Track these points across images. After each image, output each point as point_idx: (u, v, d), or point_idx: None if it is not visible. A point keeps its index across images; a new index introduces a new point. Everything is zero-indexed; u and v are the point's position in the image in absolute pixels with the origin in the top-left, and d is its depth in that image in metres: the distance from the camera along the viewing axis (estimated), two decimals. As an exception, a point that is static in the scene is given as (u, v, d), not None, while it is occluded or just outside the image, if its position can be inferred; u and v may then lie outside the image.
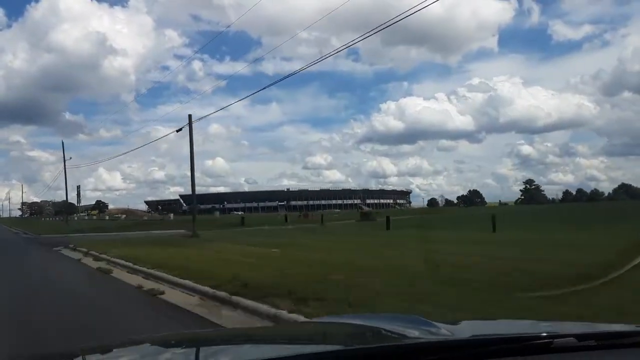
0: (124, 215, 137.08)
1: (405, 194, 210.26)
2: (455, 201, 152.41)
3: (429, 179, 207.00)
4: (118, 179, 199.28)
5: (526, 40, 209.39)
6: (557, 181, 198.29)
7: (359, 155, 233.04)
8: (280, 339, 2.01)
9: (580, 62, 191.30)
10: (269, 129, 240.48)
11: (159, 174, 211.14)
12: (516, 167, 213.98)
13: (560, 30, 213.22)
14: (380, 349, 1.42)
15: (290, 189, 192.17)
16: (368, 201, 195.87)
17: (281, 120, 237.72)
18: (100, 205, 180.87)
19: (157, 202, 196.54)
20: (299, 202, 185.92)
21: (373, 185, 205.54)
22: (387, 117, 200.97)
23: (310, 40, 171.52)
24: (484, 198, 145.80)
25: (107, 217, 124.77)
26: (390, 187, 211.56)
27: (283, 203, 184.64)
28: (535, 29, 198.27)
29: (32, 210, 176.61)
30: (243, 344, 1.89)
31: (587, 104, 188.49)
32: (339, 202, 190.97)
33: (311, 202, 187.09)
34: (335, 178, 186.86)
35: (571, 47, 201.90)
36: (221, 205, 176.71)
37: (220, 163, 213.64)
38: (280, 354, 1.48)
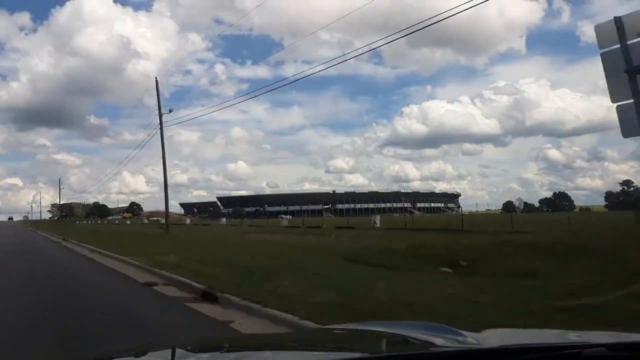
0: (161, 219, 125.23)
1: (454, 197, 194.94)
2: (537, 205, 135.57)
3: (453, 183, 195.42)
4: (142, 182, 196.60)
5: (553, 42, 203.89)
6: (585, 186, 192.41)
7: (381, 159, 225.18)
8: (303, 345, 1.97)
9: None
10: (291, 132, 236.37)
11: (182, 177, 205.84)
12: (542, 172, 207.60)
13: (589, 32, 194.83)
14: (406, 357, 1.40)
15: (336, 191, 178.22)
16: (418, 205, 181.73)
17: (303, 124, 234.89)
18: (134, 208, 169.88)
19: (193, 205, 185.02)
20: (345, 205, 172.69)
21: (419, 188, 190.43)
22: (410, 121, 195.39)
23: (333, 43, 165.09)
24: (572, 201, 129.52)
25: (145, 220, 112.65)
26: (438, 190, 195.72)
27: (327, 206, 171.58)
28: (563, 31, 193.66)
29: (63, 212, 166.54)
30: (264, 350, 1.87)
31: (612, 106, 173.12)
32: (388, 205, 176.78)
33: (358, 206, 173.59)
34: (357, 182, 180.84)
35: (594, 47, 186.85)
36: (262, 209, 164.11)
37: (242, 167, 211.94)
38: (327, 357, 1.52)
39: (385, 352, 1.54)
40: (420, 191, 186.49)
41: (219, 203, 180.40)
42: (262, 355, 1.76)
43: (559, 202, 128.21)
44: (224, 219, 68.94)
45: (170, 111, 30.13)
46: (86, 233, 35.92)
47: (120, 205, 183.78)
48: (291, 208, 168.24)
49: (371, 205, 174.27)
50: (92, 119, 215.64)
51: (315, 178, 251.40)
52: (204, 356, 1.73)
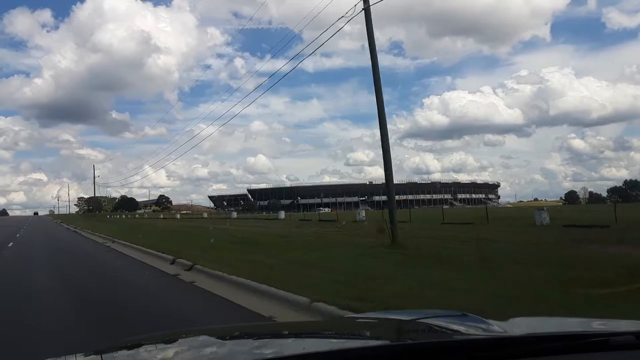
0: (200, 213, 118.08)
1: (494, 188, 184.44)
2: (605, 195, 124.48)
3: (474, 174, 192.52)
4: (163, 176, 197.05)
5: (577, 30, 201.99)
6: (610, 177, 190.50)
7: (401, 151, 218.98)
8: (328, 333, 2.01)
9: (635, 51, 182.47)
10: (310, 125, 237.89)
11: (202, 172, 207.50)
12: (566, 162, 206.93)
13: (614, 18, 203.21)
14: (432, 345, 1.41)
15: (373, 182, 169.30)
16: (459, 196, 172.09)
17: (322, 117, 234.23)
18: (163, 201, 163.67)
19: (222, 197, 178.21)
20: (383, 197, 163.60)
21: (458, 177, 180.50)
22: (431, 112, 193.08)
23: (353, 34, 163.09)
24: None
25: (177, 215, 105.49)
26: (480, 180, 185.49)
27: (364, 198, 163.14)
28: (588, 17, 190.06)
29: (89, 205, 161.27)
30: (286, 338, 1.90)
31: None
32: (427, 196, 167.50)
33: (397, 197, 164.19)
34: (377, 174, 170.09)
35: (626, 35, 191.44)
36: (295, 201, 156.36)
37: (262, 160, 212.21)
38: (332, 348, 1.50)
39: (410, 340, 1.55)
40: (461, 181, 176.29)
41: (249, 196, 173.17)
42: (285, 342, 1.77)
43: (630, 191, 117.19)
44: (282, 213, 60.69)
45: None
46: (137, 231, 28.15)
47: (148, 199, 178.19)
48: (325, 200, 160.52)
49: (410, 197, 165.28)
50: (114, 114, 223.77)
51: (335, 170, 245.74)
52: (227, 343, 1.76)
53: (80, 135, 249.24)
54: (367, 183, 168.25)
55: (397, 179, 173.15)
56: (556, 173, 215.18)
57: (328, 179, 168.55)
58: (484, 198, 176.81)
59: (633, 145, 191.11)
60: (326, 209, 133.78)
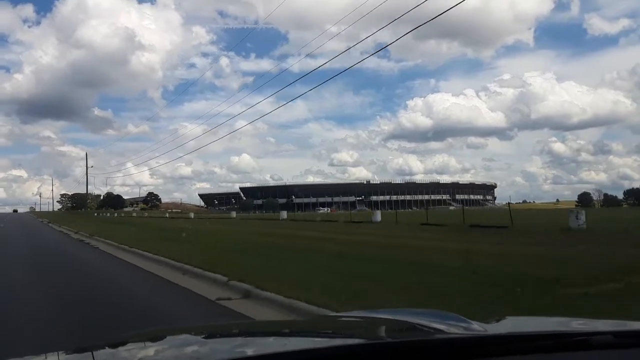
0: (187, 212, 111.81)
1: (491, 189, 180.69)
2: (622, 197, 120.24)
3: (456, 176, 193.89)
4: (146, 175, 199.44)
5: (560, 35, 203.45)
6: (589, 180, 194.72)
7: (385, 152, 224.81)
8: (310, 331, 1.97)
9: (616, 57, 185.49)
10: (295, 125, 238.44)
11: (186, 170, 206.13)
12: (547, 165, 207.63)
13: (596, 24, 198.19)
14: (413, 343, 1.43)
15: (371, 182, 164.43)
16: (457, 196, 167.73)
17: (307, 117, 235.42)
18: (152, 199, 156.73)
19: (213, 196, 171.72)
20: (380, 197, 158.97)
21: (457, 178, 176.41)
22: (415, 114, 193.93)
23: (340, 36, 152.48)
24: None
25: (166, 214, 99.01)
26: (478, 181, 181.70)
27: (360, 198, 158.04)
28: (570, 24, 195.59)
29: (73, 202, 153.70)
30: (269, 337, 1.90)
31: (623, 100, 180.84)
32: (426, 197, 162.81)
33: (394, 197, 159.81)
34: (361, 175, 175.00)
35: (607, 41, 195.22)
36: (290, 200, 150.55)
37: (246, 159, 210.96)
38: (314, 346, 1.50)
39: (390, 339, 1.56)
40: (460, 182, 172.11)
41: (241, 194, 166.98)
42: (266, 340, 1.79)
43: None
44: (284, 213, 54.93)
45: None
46: (140, 233, 22.36)
47: (136, 197, 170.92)
48: (321, 200, 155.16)
49: (408, 197, 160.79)
50: (97, 111, 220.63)
51: (319, 171, 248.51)
52: (209, 341, 1.76)
53: (61, 132, 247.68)
54: (364, 182, 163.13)
55: (382, 180, 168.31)
56: (537, 176, 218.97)
57: (312, 179, 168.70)
58: (481, 199, 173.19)
59: (612, 150, 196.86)
60: (325, 209, 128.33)
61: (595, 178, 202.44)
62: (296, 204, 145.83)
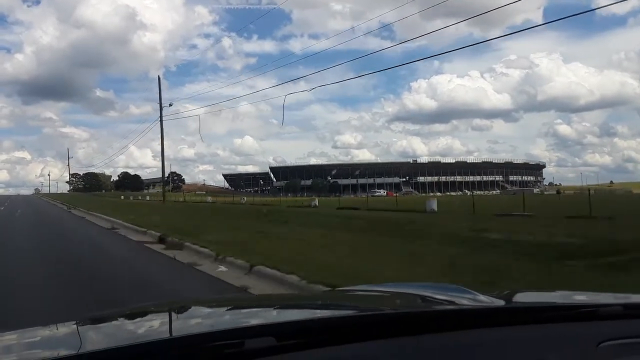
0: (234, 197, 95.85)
1: (539, 169, 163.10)
2: None
3: (461, 159, 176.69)
4: (149, 157, 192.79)
5: (567, 15, 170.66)
6: (593, 162, 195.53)
7: (389, 134, 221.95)
8: (313, 305, 1.97)
9: (624, 38, 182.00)
10: (298, 107, 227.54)
11: (189, 152, 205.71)
12: (551, 148, 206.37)
13: (603, 4, 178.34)
14: (422, 314, 1.45)
15: (418, 161, 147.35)
16: (511, 178, 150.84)
17: (310, 99, 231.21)
18: (174, 179, 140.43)
19: (239, 176, 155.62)
20: (428, 178, 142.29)
21: (510, 157, 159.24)
22: (419, 96, 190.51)
23: (344, 15, 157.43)
24: None
25: (209, 198, 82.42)
26: (533, 160, 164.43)
27: (405, 179, 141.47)
28: (577, 3, 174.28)
29: (86, 183, 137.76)
30: (273, 309, 1.90)
31: (631, 82, 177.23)
32: (477, 178, 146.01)
33: (443, 178, 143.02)
34: (364, 157, 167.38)
35: (615, 22, 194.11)
36: (326, 181, 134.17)
37: (249, 142, 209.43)
38: (326, 315, 1.53)
39: (401, 309, 1.56)
40: (514, 161, 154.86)
41: (271, 174, 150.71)
42: (270, 313, 1.79)
43: None
44: (315, 201, 38.47)
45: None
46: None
47: (153, 177, 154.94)
48: (362, 181, 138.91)
49: (458, 178, 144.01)
50: (98, 92, 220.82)
51: (322, 153, 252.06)
52: (214, 313, 1.80)
53: (63, 113, 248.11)
54: (410, 162, 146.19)
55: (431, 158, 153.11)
56: (540, 158, 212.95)
57: (314, 161, 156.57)
58: (533, 181, 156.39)
59: (617, 132, 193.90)
60: (381, 192, 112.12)
61: (600, 161, 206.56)
62: (331, 185, 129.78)
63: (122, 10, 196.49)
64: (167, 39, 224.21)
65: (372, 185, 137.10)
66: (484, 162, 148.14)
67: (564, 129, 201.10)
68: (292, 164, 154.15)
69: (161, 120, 27.01)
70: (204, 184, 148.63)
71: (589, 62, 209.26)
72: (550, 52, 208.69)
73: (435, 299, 1.60)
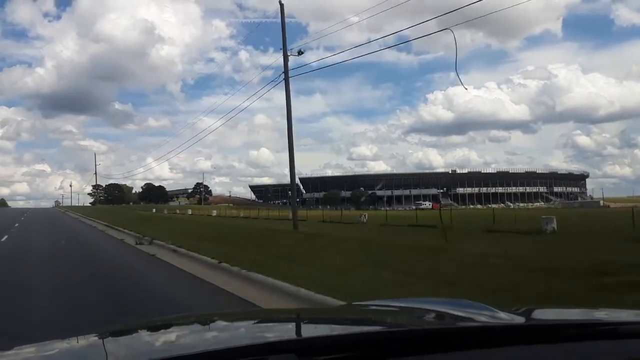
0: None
1: (581, 179, 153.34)
2: None
3: (503, 169, 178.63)
4: (165, 169, 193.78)
5: (586, 26, 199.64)
6: (612, 174, 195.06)
7: (405, 146, 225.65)
8: (326, 320, 1.96)
9: None
10: (313, 120, 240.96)
11: (205, 164, 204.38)
12: (569, 159, 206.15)
13: (623, 15, 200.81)
14: (443, 331, 1.44)
15: (456, 171, 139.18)
16: (555, 189, 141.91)
17: (325, 111, 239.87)
18: (201, 191, 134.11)
19: (266, 187, 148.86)
20: (468, 190, 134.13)
21: (555, 166, 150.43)
22: (435, 107, 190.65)
23: (361, 28, 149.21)
24: None
25: (233, 211, 75.30)
26: (577, 170, 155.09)
27: (443, 190, 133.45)
28: (596, 14, 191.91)
29: (110, 194, 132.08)
30: (287, 323, 1.92)
31: None
32: (520, 189, 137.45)
33: (483, 189, 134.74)
34: (380, 169, 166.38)
35: (635, 32, 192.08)
36: (372, 193, 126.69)
37: (265, 154, 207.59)
38: (341, 332, 1.52)
39: (420, 326, 1.55)
40: (558, 171, 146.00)
41: (301, 186, 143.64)
42: (286, 327, 1.81)
43: None
44: (365, 216, 32.37)
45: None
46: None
47: (178, 189, 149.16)
48: (397, 192, 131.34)
49: (500, 190, 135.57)
50: (117, 105, 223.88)
51: (337, 165, 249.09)
52: (229, 327, 1.80)
53: (82, 126, 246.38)
54: (449, 172, 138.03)
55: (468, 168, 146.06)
56: (559, 170, 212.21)
57: (330, 173, 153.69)
58: (578, 192, 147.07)
59: (638, 143, 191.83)
60: (427, 203, 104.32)
61: (620, 172, 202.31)
62: (368, 198, 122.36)
63: (141, 24, 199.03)
64: (184, 52, 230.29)
65: (408, 197, 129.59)
66: (527, 173, 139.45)
67: (582, 140, 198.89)
68: (323, 175, 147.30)
69: (286, 74, 19.50)
70: (230, 196, 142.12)
71: (608, 73, 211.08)
72: (568, 63, 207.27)
73: (456, 315, 1.56)
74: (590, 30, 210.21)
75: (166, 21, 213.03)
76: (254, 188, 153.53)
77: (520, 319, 1.54)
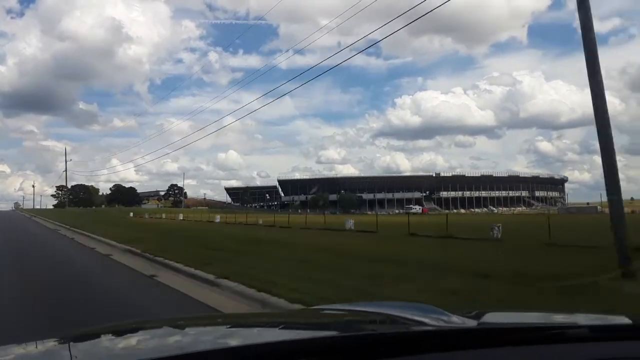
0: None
1: (560, 184, 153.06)
2: None
3: (486, 172, 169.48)
4: (131, 171, 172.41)
5: (550, 34, 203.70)
6: (573, 179, 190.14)
7: (373, 150, 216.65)
8: (293, 324, 1.96)
9: (605, 56, 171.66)
10: (282, 123, 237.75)
11: (172, 166, 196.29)
12: (532, 165, 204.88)
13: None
14: (393, 335, 1.45)
15: (441, 174, 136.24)
16: (536, 193, 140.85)
17: (294, 115, 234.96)
18: (175, 193, 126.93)
19: (244, 190, 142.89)
20: (452, 193, 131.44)
21: (538, 171, 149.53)
22: (404, 112, 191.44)
23: (331, 32, 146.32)
24: None
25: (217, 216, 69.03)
26: (558, 175, 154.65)
27: (426, 194, 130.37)
28: (560, 22, 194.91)
29: (76, 196, 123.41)
30: (249, 328, 1.92)
31: (612, 100, 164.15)
32: (503, 193, 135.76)
33: (467, 193, 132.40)
34: (348, 172, 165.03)
35: (597, 41, 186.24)
36: (354, 195, 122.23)
37: (233, 156, 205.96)
38: (295, 337, 1.52)
39: (372, 331, 1.58)
40: (540, 175, 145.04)
41: (279, 188, 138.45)
42: (249, 332, 1.80)
43: None
44: (350, 222, 29.06)
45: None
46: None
47: (149, 190, 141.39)
48: (379, 196, 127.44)
49: (483, 194, 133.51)
50: (81, 105, 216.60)
51: (306, 168, 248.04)
52: (191, 332, 1.78)
53: (44, 126, 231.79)
54: (433, 175, 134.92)
55: (454, 171, 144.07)
56: (521, 174, 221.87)
57: (299, 176, 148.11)
58: (558, 197, 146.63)
59: (597, 150, 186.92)
60: (417, 207, 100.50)
61: (579, 178, 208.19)
62: (356, 202, 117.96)
63: (108, 22, 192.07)
64: (152, 52, 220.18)
65: (391, 201, 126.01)
66: (510, 177, 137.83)
67: (544, 145, 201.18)
68: (302, 177, 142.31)
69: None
70: (205, 199, 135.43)
71: (570, 80, 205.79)
72: (532, 70, 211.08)
73: (410, 319, 1.57)
74: (554, 38, 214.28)
75: (134, 20, 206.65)
76: (230, 190, 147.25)
77: (472, 323, 1.54)
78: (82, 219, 38.21)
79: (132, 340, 1.65)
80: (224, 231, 26.19)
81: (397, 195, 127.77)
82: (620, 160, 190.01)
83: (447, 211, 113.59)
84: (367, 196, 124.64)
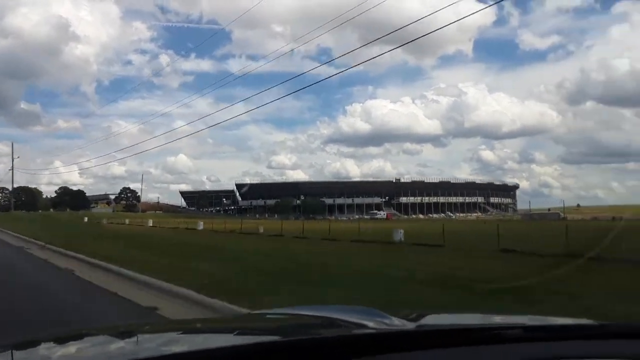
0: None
1: (511, 190, 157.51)
2: None
3: (444, 179, 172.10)
4: (75, 173, 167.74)
5: (494, 48, 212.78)
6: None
7: (323, 156, 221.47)
8: (234, 329, 1.90)
9: (543, 71, 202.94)
10: (233, 127, 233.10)
11: (119, 170, 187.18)
12: (475, 172, 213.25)
13: (527, 40, 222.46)
14: (334, 339, 1.46)
15: (401, 180, 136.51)
16: (491, 200, 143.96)
17: (246, 120, 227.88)
18: (127, 196, 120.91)
19: (199, 194, 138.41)
20: (411, 199, 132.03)
21: (491, 178, 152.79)
22: (354, 119, 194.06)
23: (284, 37, 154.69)
24: None
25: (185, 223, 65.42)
26: (510, 182, 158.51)
27: (386, 199, 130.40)
28: (503, 38, 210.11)
29: (18, 199, 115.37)
30: (189, 334, 1.90)
31: (550, 112, 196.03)
32: (460, 199, 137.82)
33: (426, 199, 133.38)
34: (298, 178, 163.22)
35: (537, 56, 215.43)
36: (297, 201, 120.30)
37: (183, 160, 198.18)
38: (239, 342, 1.53)
39: (312, 335, 1.56)
40: (495, 182, 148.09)
41: (237, 192, 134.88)
42: (193, 338, 1.80)
43: None
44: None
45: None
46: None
47: (98, 194, 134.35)
48: (339, 201, 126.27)
49: (441, 200, 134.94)
50: (23, 105, 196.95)
51: (257, 173, 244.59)
52: (133, 339, 1.74)
53: None
54: (393, 181, 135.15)
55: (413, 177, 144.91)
56: (495, 181, 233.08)
57: (249, 180, 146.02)
58: (510, 203, 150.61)
59: (535, 159, 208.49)
60: (381, 213, 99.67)
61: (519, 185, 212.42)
62: (320, 207, 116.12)
63: (54, 20, 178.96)
64: (100, 53, 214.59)
65: (350, 206, 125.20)
66: (467, 183, 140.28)
67: (487, 154, 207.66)
68: (262, 182, 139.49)
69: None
70: (158, 203, 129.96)
71: (512, 93, 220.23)
72: (477, 82, 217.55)
73: (350, 322, 1.58)
74: (497, 52, 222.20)
75: (82, 19, 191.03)
76: (185, 194, 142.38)
77: (411, 325, 1.56)
78: (37, 227, 33.72)
79: (71, 348, 1.60)
80: (261, 248, 18.80)
81: (357, 200, 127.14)
82: (557, 169, 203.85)
83: (405, 217, 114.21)
84: (327, 201, 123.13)
